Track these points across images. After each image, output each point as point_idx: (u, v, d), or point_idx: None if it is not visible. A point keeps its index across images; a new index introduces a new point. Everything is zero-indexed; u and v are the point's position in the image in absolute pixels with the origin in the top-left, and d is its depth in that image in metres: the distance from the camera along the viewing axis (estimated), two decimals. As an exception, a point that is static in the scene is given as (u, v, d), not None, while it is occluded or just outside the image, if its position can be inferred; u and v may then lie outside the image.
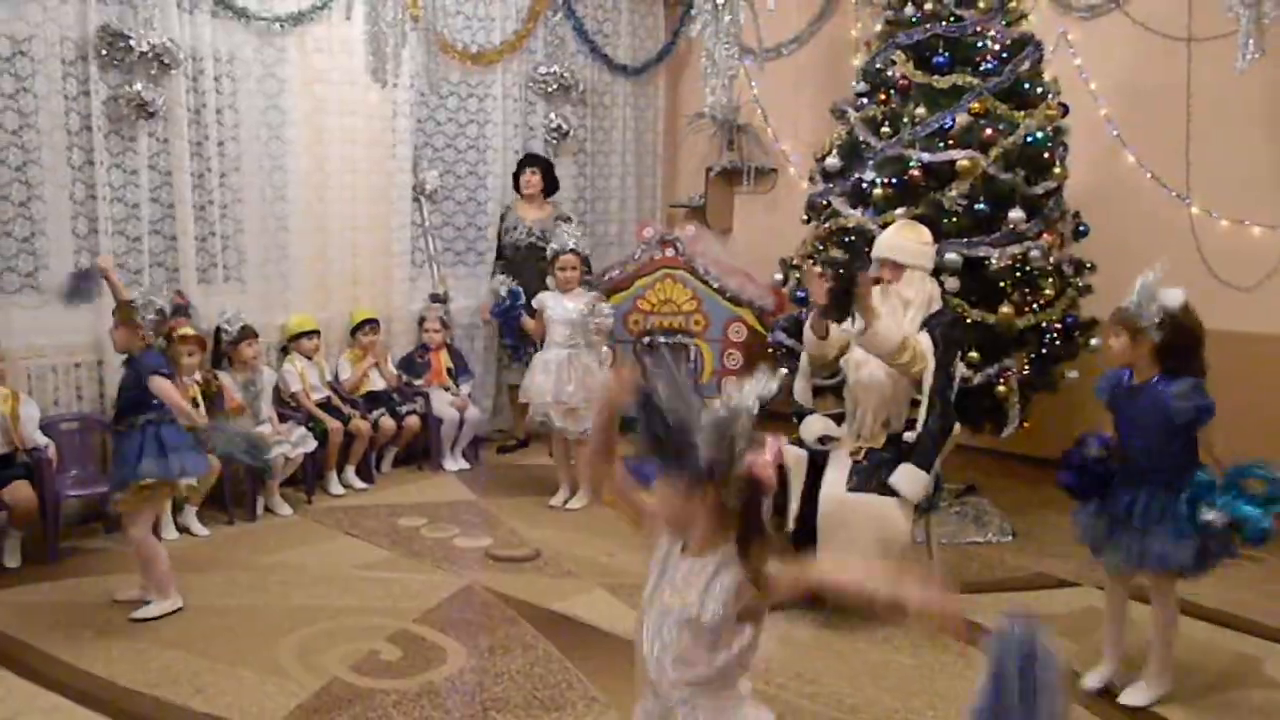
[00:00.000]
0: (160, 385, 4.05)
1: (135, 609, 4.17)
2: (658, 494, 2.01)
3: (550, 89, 7.20)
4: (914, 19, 5.33)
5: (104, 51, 5.24)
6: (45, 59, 5.11)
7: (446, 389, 6.50)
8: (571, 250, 5.60)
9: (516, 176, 6.80)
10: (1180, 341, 3.33)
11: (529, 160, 6.80)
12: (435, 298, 6.70)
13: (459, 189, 7.03)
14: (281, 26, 5.87)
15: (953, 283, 4.79)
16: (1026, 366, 5.16)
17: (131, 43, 5.27)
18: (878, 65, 5.47)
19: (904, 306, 4.20)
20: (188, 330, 5.21)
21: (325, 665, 3.74)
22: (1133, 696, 3.51)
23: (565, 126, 7.29)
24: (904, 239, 4.35)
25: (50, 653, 3.82)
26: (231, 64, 5.79)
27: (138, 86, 5.33)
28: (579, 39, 7.35)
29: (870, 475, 4.07)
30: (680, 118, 7.98)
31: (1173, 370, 3.33)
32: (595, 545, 5.02)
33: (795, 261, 5.55)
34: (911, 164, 5.06)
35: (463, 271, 7.03)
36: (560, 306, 5.60)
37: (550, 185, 6.81)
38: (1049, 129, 5.11)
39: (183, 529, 5.15)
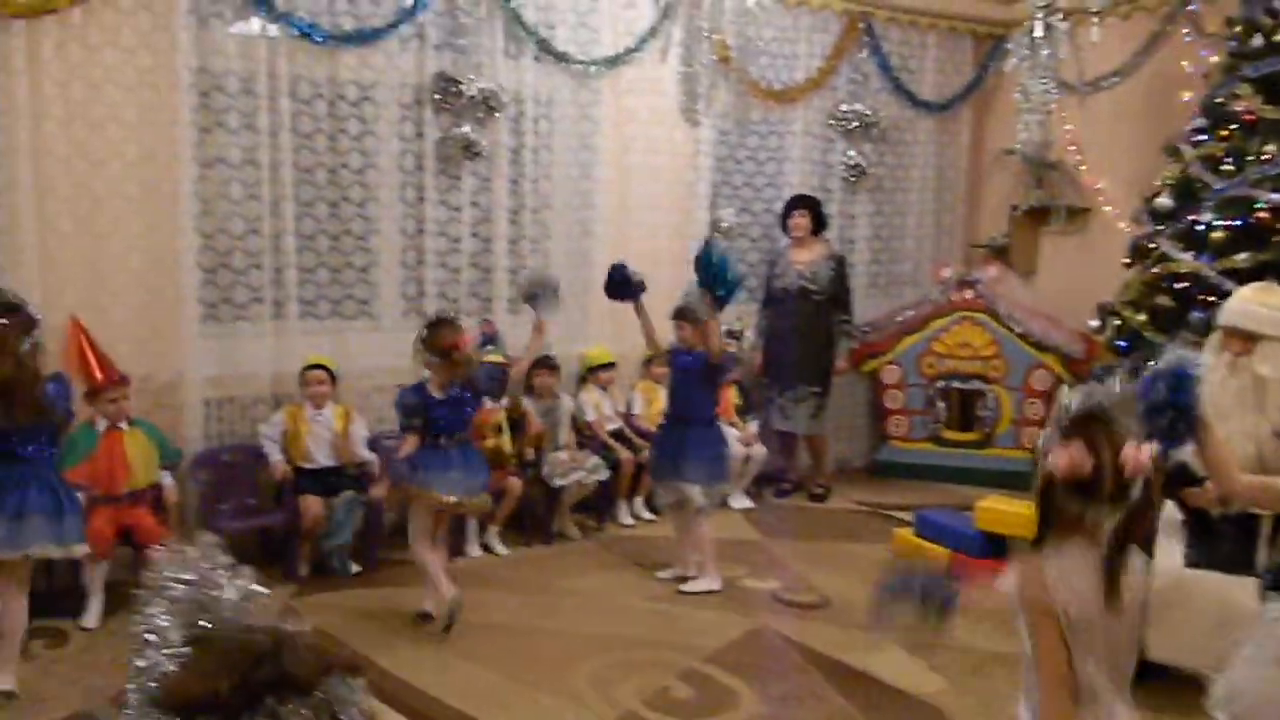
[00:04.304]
0: None
1: (427, 622, 4.45)
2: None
3: (850, 126, 7.10)
4: (1261, 50, 4.90)
5: (437, 96, 5.63)
6: (386, 103, 5.54)
7: (733, 424, 6.49)
8: None
9: (785, 220, 6.67)
10: None
11: (797, 202, 6.64)
12: (731, 334, 6.73)
13: (754, 226, 7.06)
14: (597, 69, 6.10)
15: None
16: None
17: (462, 87, 5.63)
18: (1218, 99, 5.06)
19: (1255, 386, 3.60)
20: (497, 358, 5.48)
21: (620, 697, 3.80)
22: None
23: (863, 164, 7.17)
24: (1261, 304, 3.71)
25: (368, 655, 4.05)
26: (549, 106, 6.07)
27: (466, 128, 5.68)
28: (882, 75, 7.21)
29: (1212, 549, 3.67)
30: (984, 154, 7.66)
31: None
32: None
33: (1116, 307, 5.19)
34: (1259, 205, 4.63)
35: (754, 308, 7.02)
36: None
37: (819, 224, 6.63)
38: None
39: (486, 547, 5.42)
